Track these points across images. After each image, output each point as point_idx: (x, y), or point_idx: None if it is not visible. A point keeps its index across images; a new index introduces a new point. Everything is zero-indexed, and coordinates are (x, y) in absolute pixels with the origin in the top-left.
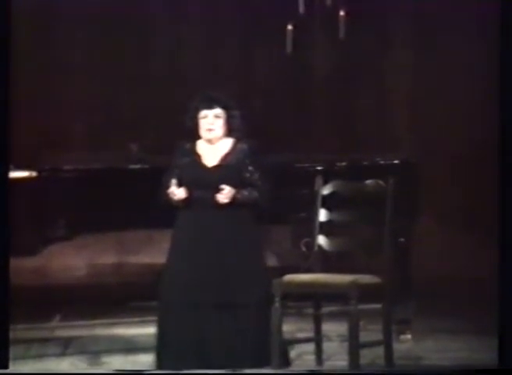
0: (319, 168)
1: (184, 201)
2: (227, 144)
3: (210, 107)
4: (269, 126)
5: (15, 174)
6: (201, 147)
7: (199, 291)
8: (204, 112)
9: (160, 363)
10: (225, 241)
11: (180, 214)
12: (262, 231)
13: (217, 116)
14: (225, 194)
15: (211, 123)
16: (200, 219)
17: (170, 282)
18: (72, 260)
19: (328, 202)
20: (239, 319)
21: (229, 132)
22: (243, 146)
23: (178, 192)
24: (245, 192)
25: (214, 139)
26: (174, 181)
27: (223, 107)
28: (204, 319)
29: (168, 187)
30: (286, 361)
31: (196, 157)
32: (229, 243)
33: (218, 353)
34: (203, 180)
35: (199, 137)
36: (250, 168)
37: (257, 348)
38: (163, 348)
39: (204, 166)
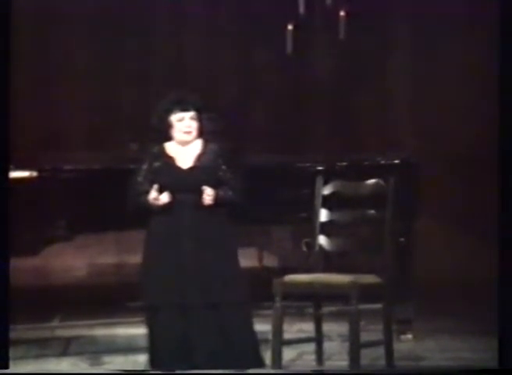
0: (320, 168)
1: (166, 205)
2: (197, 145)
3: (186, 109)
4: (270, 127)
5: (15, 174)
6: (172, 149)
7: (179, 292)
8: (180, 115)
9: (151, 363)
10: (203, 242)
11: (156, 217)
12: (238, 230)
13: (192, 118)
14: (210, 195)
15: (189, 125)
16: (178, 221)
17: (151, 284)
18: (72, 260)
19: (328, 202)
20: (219, 319)
21: (201, 134)
22: (214, 146)
23: (162, 197)
24: (220, 192)
25: (189, 142)
26: (156, 186)
27: (197, 109)
28: (185, 320)
29: (141, 192)
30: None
31: (168, 160)
32: (208, 243)
33: (199, 353)
34: (180, 182)
35: (168, 139)
36: (223, 167)
37: (239, 348)
38: (151, 349)
39: (179, 169)
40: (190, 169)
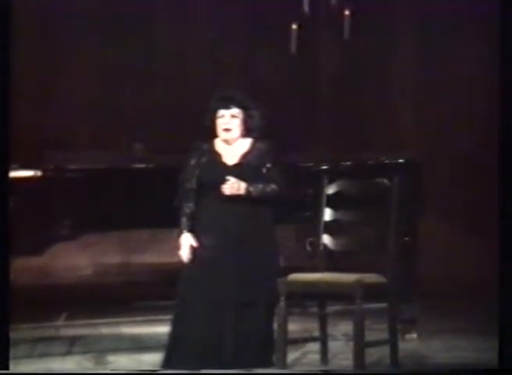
0: (324, 167)
1: (209, 203)
2: (246, 143)
3: (227, 107)
4: (274, 126)
5: (20, 173)
6: (220, 146)
7: (220, 290)
8: (221, 112)
9: (170, 362)
10: (244, 239)
11: (200, 213)
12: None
13: (234, 116)
14: (229, 185)
15: (228, 122)
16: (219, 216)
17: (190, 281)
18: (77, 259)
19: (333, 202)
20: (259, 318)
21: (247, 132)
22: (262, 145)
23: (184, 254)
24: (259, 185)
25: (230, 139)
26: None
27: (240, 107)
28: (225, 318)
29: (188, 190)
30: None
31: (215, 156)
32: (248, 240)
33: (229, 351)
34: (223, 178)
35: (216, 136)
36: (268, 165)
37: (259, 346)
38: (177, 347)
39: (224, 165)
40: (235, 166)
